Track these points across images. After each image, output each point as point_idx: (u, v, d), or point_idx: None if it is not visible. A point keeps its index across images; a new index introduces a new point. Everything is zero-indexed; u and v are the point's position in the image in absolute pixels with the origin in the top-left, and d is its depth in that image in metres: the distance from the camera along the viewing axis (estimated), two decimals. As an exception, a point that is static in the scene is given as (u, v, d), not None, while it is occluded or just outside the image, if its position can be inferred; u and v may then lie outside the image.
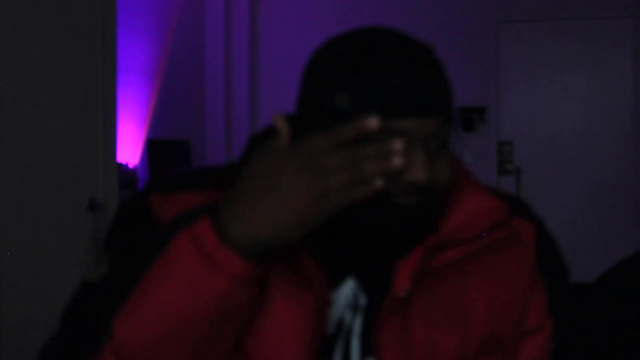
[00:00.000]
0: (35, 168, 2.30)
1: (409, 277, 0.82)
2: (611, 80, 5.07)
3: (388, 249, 0.83)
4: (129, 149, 4.61)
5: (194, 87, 5.27)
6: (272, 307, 0.79)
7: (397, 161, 0.65)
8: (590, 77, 5.10)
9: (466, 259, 0.85)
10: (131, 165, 4.58)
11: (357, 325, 0.83)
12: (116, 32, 2.66)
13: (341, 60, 0.78)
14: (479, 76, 5.20)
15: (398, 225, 0.78)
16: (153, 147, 4.66)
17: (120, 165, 4.22)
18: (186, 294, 0.68)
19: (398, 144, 0.65)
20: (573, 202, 5.10)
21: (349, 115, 0.75)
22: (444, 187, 0.81)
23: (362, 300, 0.83)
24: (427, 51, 0.83)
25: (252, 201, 0.68)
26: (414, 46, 0.82)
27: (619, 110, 5.06)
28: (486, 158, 5.21)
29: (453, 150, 0.85)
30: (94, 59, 2.54)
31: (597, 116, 5.08)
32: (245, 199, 0.68)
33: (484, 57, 5.20)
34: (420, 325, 0.82)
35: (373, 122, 0.66)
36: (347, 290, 0.84)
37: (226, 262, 0.67)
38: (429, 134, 0.77)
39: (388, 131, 0.75)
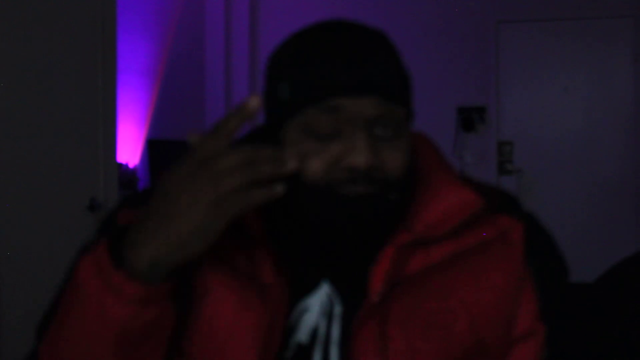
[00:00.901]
0: (35, 168, 2.30)
1: (382, 280, 0.78)
2: (611, 80, 5.07)
3: (348, 246, 0.78)
4: (129, 149, 4.61)
5: (194, 87, 5.27)
6: (221, 317, 0.77)
7: (292, 164, 0.65)
8: (590, 77, 5.10)
9: (450, 261, 0.81)
10: (131, 165, 4.58)
11: (336, 333, 0.79)
12: (116, 32, 2.66)
13: (286, 52, 0.79)
14: (479, 76, 5.20)
15: (345, 218, 0.75)
16: (153, 147, 4.66)
17: (120, 165, 4.22)
18: (92, 318, 0.68)
19: (254, 101, 0.64)
20: (573, 202, 5.10)
21: (291, 104, 0.76)
22: (398, 177, 0.77)
23: (338, 308, 0.79)
24: (377, 37, 0.79)
25: (146, 222, 0.67)
26: (361, 32, 0.79)
27: (619, 110, 5.05)
28: (486, 158, 5.20)
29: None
30: (94, 59, 2.54)
31: (597, 116, 5.08)
32: (142, 220, 0.68)
33: (484, 57, 5.20)
34: (399, 333, 0.77)
35: (253, 101, 0.66)
36: (322, 296, 0.80)
37: (122, 285, 0.67)
38: (373, 117, 0.75)
39: (325, 108, 0.74)
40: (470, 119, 5.18)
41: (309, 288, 0.80)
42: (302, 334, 0.79)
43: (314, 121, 0.75)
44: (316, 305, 0.79)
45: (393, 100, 0.76)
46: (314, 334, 0.79)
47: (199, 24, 5.32)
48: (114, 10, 2.64)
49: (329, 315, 0.79)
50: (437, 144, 0.91)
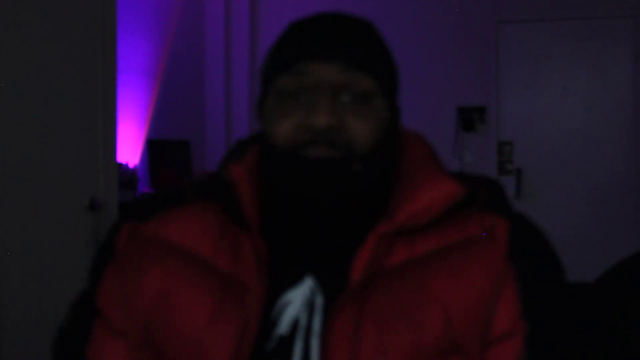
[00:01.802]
0: (35, 168, 2.30)
1: (362, 269, 0.79)
2: (611, 80, 5.07)
3: (323, 222, 0.82)
4: (129, 149, 4.61)
5: (194, 87, 5.27)
6: (196, 321, 0.80)
7: None
8: (590, 77, 5.10)
9: (432, 256, 0.81)
10: (131, 165, 4.58)
11: (317, 325, 0.80)
12: (116, 32, 2.66)
13: (275, 41, 0.87)
14: (479, 76, 5.20)
15: (307, 181, 0.79)
16: (153, 147, 4.65)
17: (120, 165, 4.22)
18: None
19: None
20: (573, 202, 5.10)
21: (268, 77, 0.85)
22: (363, 146, 0.80)
23: (319, 299, 0.81)
24: (356, 21, 0.86)
25: None
26: (341, 16, 0.86)
27: (619, 110, 5.05)
28: (486, 158, 5.20)
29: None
30: (94, 59, 2.53)
31: (597, 116, 5.08)
32: None
33: (484, 57, 5.20)
34: (372, 324, 0.77)
35: None
36: (304, 289, 0.82)
37: None
38: (338, 84, 0.80)
39: (294, 72, 0.81)
40: (470, 119, 5.18)
41: (293, 282, 0.82)
42: (283, 326, 0.80)
43: (285, 86, 0.82)
44: (298, 297, 0.81)
45: (359, 68, 0.81)
46: (295, 325, 0.80)
47: (199, 24, 5.32)
48: (114, 10, 2.64)
49: (310, 307, 0.81)
50: (431, 142, 0.92)
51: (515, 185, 5.11)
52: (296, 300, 0.81)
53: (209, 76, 5.37)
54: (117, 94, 2.69)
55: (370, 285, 0.79)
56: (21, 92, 2.25)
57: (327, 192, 0.80)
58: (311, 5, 5.23)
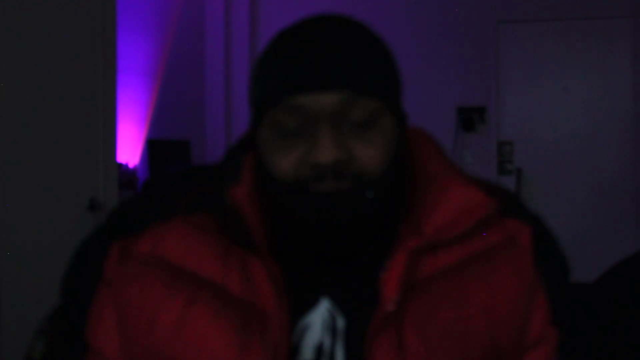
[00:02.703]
0: (35, 168, 2.30)
1: (397, 288, 0.74)
2: (611, 80, 5.07)
3: (340, 249, 0.76)
4: (129, 149, 4.61)
5: (194, 87, 5.27)
6: (218, 356, 0.73)
7: None
8: (590, 77, 5.10)
9: (460, 266, 0.78)
10: (131, 165, 4.58)
11: (340, 350, 0.76)
12: (116, 32, 2.66)
13: (263, 54, 0.78)
14: (479, 76, 5.20)
15: (317, 216, 0.73)
16: (153, 147, 4.66)
17: (120, 165, 4.22)
18: None
19: None
20: (573, 202, 5.10)
21: (258, 105, 0.76)
22: (374, 173, 0.74)
23: (341, 322, 0.76)
24: (346, 31, 0.76)
25: None
26: (328, 28, 0.76)
27: (619, 110, 5.05)
28: (486, 158, 5.20)
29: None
30: (94, 59, 2.53)
31: (597, 116, 5.08)
32: None
33: (484, 57, 5.20)
34: (417, 341, 0.74)
35: None
36: (322, 311, 0.77)
37: None
38: (337, 112, 0.72)
39: (287, 107, 0.73)
40: (470, 119, 5.18)
41: (309, 305, 0.77)
42: (307, 353, 0.76)
43: (280, 120, 0.74)
44: (317, 321, 0.77)
45: (361, 93, 0.73)
46: (318, 351, 0.76)
47: (199, 24, 5.32)
48: (114, 10, 2.64)
49: (332, 331, 0.76)
50: (438, 141, 0.88)
51: (515, 185, 5.11)
52: (315, 324, 0.76)
53: (209, 76, 5.37)
54: (117, 94, 2.69)
55: (404, 304, 0.75)
56: (21, 92, 2.25)
57: (339, 223, 0.74)
58: (311, 5, 5.22)
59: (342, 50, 0.73)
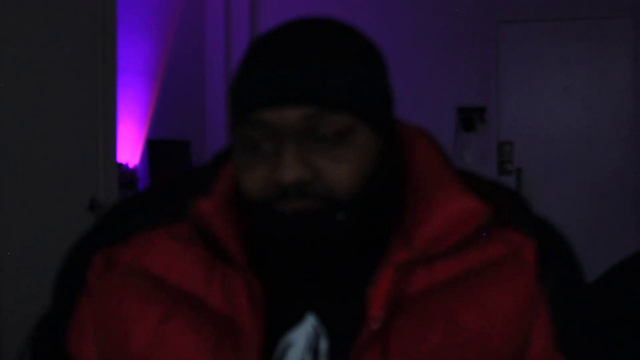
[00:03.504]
0: (35, 168, 2.30)
1: (382, 305, 0.70)
2: (611, 80, 5.07)
3: (317, 269, 0.72)
4: (129, 149, 4.61)
5: (194, 87, 5.27)
6: None
7: None
8: (590, 77, 5.10)
9: (455, 282, 0.73)
10: (131, 165, 4.58)
11: None
12: (116, 32, 2.66)
13: (238, 64, 0.74)
14: (479, 76, 5.20)
15: (285, 236, 0.69)
16: (153, 147, 4.66)
17: (120, 165, 4.22)
18: None
19: None
20: (573, 202, 5.10)
21: (231, 114, 0.73)
22: (346, 193, 0.69)
23: (324, 344, 0.72)
24: (317, 40, 0.71)
25: None
26: (299, 37, 0.71)
27: (619, 110, 5.05)
28: (486, 158, 5.20)
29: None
30: (94, 59, 2.53)
31: (597, 116, 5.08)
32: None
33: (484, 57, 5.19)
34: None
35: None
36: (307, 328, 0.73)
37: None
38: (302, 128, 0.68)
39: (251, 123, 0.69)
40: (470, 119, 5.18)
41: (293, 321, 0.74)
42: None
43: (248, 135, 0.71)
44: (301, 339, 0.73)
45: (329, 108, 0.68)
46: None
47: (199, 24, 5.32)
48: (114, 10, 2.64)
49: (314, 351, 0.72)
50: (438, 140, 0.83)
51: (515, 185, 5.11)
52: (299, 341, 0.73)
53: (209, 76, 5.37)
54: (117, 94, 2.69)
55: (391, 322, 0.71)
56: (21, 92, 2.25)
57: (311, 245, 0.70)
58: (311, 5, 5.22)
59: (310, 63, 0.68)
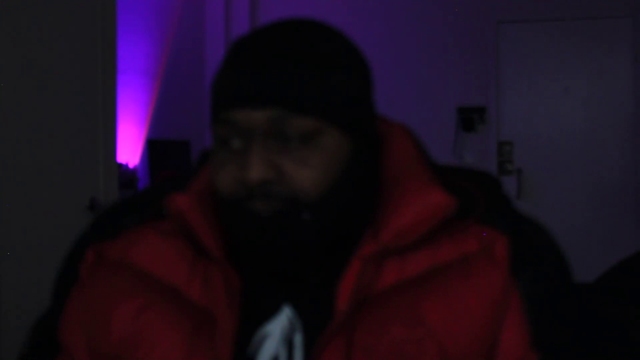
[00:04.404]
0: (35, 168, 2.30)
1: (348, 297, 0.71)
2: (611, 80, 5.07)
3: (289, 265, 0.73)
4: (129, 149, 4.61)
5: (194, 87, 5.27)
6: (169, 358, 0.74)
7: None
8: (590, 77, 5.10)
9: (425, 277, 0.73)
10: (131, 165, 4.58)
11: None
12: (116, 32, 2.66)
13: (222, 61, 0.77)
14: (479, 76, 5.20)
15: (253, 234, 0.71)
16: (153, 147, 4.66)
17: (120, 165, 4.22)
18: None
19: None
20: (573, 202, 5.10)
21: (210, 111, 0.77)
22: (310, 194, 0.70)
23: (298, 337, 0.73)
24: (298, 44, 0.72)
25: None
26: (279, 41, 0.73)
27: (619, 110, 5.05)
28: (486, 158, 5.20)
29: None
30: (94, 59, 2.54)
31: (597, 116, 5.08)
32: None
33: (484, 57, 5.20)
34: (363, 359, 0.70)
35: None
36: (283, 320, 0.74)
37: None
38: (269, 129, 0.70)
39: (222, 122, 0.73)
40: (470, 119, 5.18)
41: (269, 313, 0.75)
42: None
43: (221, 134, 0.74)
44: (277, 331, 0.74)
45: (295, 111, 0.69)
46: None
47: (199, 24, 5.32)
48: (114, 10, 2.64)
49: (289, 343, 0.73)
50: (418, 136, 0.83)
51: (515, 185, 5.11)
52: (274, 334, 0.73)
53: (209, 76, 5.36)
54: (117, 94, 2.69)
55: (358, 316, 0.71)
56: (21, 92, 2.25)
57: (279, 244, 0.71)
58: (311, 5, 5.21)
59: (279, 66, 0.70)
